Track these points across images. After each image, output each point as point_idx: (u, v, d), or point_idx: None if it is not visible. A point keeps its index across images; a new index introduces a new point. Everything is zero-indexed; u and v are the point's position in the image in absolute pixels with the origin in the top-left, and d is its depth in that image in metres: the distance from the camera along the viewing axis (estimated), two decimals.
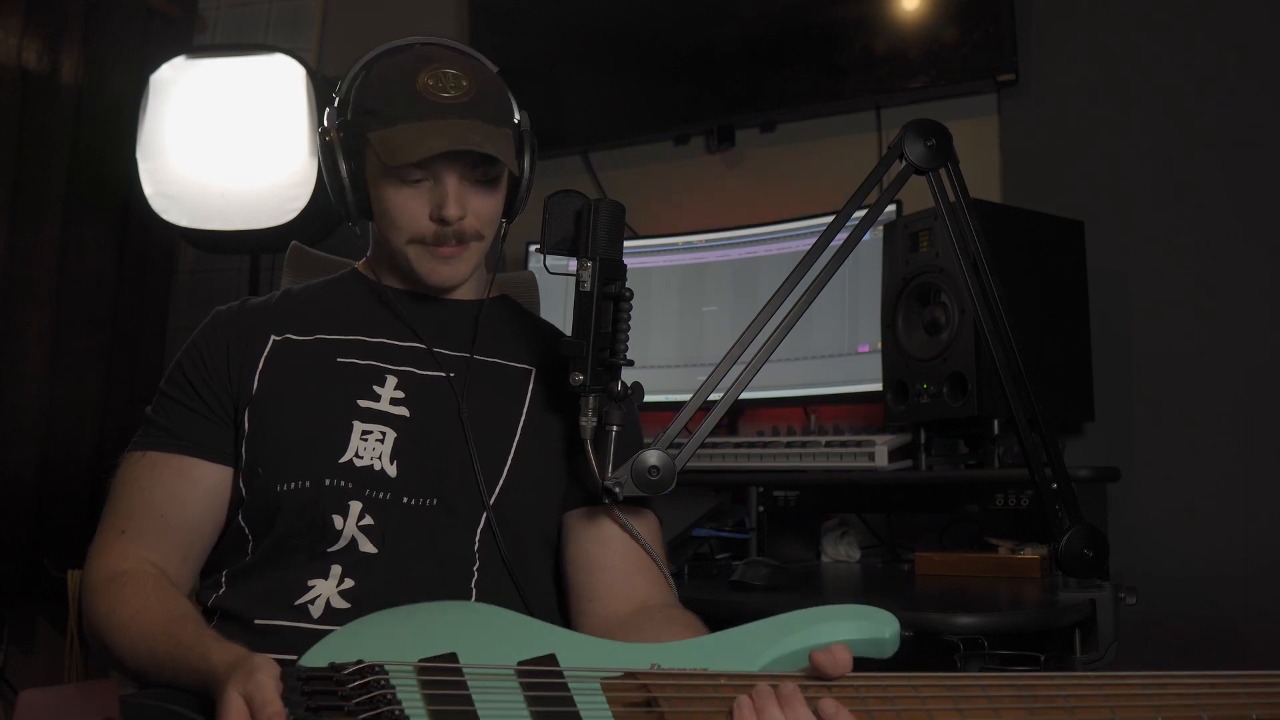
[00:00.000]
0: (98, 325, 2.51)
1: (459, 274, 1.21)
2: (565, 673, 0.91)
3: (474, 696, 0.89)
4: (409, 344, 1.20)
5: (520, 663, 0.92)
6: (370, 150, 1.17)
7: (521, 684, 0.90)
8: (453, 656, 0.91)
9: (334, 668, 0.88)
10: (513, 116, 1.23)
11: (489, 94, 1.19)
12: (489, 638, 0.94)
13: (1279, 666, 0.89)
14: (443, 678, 0.90)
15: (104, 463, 2.48)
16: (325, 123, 1.21)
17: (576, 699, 0.89)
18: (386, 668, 0.89)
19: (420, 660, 0.90)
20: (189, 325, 2.72)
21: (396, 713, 0.87)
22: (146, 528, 1.11)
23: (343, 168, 1.19)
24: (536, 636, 0.95)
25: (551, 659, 0.92)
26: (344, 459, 1.10)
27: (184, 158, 2.23)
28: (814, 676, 0.89)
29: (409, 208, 1.16)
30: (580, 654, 0.93)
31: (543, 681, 0.91)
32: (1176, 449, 1.88)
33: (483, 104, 1.17)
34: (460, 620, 0.97)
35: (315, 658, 0.90)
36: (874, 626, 0.94)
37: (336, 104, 1.21)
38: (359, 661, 0.88)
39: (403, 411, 1.15)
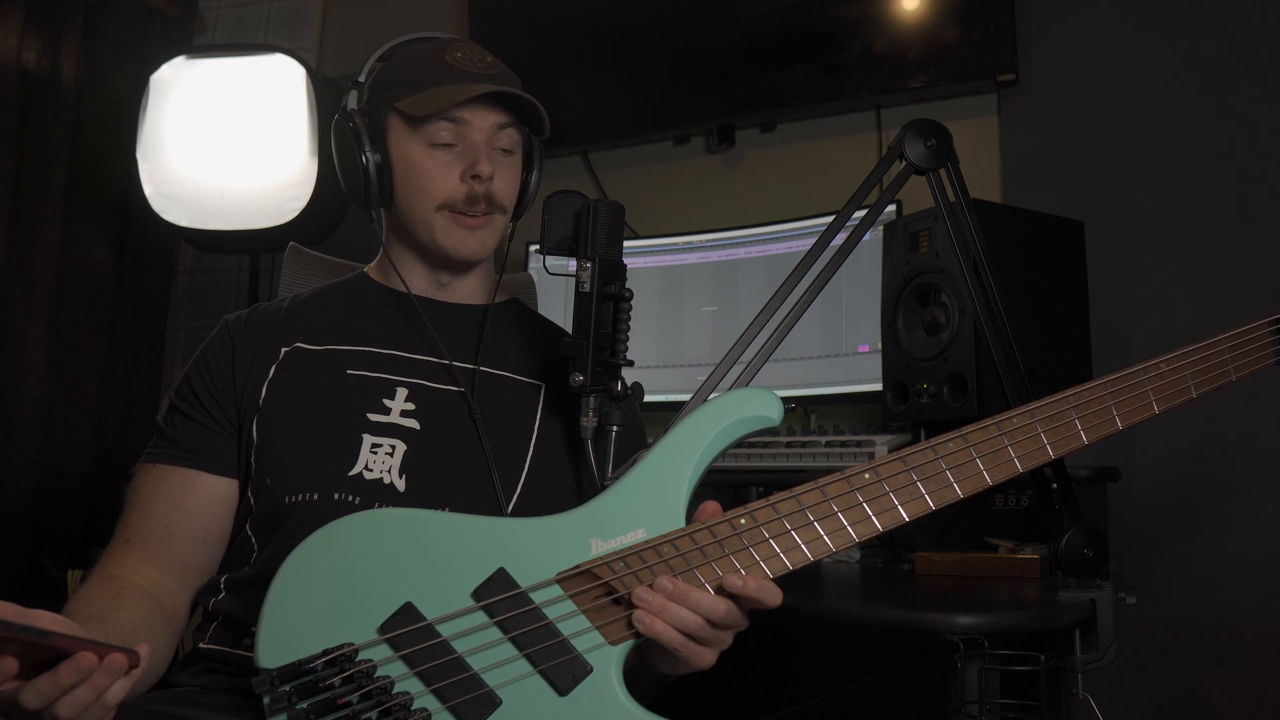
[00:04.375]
0: (98, 325, 2.51)
1: (486, 245, 1.22)
2: (523, 587, 0.92)
3: (453, 644, 0.90)
4: (420, 356, 1.20)
5: (475, 591, 0.91)
6: (394, 122, 1.19)
7: (488, 614, 0.91)
8: (408, 608, 0.91)
9: (301, 663, 0.87)
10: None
11: (511, 74, 1.24)
12: (430, 568, 0.92)
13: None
14: (414, 637, 0.90)
15: (103, 462, 2.48)
16: (346, 107, 1.22)
17: (546, 611, 0.92)
18: (355, 644, 0.89)
19: (380, 625, 0.90)
20: (189, 325, 2.76)
21: (402, 699, 0.88)
22: (150, 539, 1.12)
23: (365, 149, 1.18)
24: (474, 550, 0.94)
25: (503, 574, 0.92)
26: (353, 472, 1.10)
27: (184, 158, 2.23)
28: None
29: (440, 170, 1.18)
30: (524, 552, 0.93)
31: (506, 602, 0.91)
32: (1176, 447, 1.88)
33: (507, 77, 1.21)
34: (387, 558, 0.93)
35: (269, 653, 0.89)
36: (760, 416, 0.99)
37: (356, 90, 1.23)
38: (324, 651, 0.88)
39: (413, 424, 1.15)
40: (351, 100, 1.23)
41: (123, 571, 1.09)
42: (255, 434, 1.13)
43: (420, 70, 1.18)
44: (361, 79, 1.24)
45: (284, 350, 1.18)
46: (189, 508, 1.13)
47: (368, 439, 1.12)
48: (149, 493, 1.14)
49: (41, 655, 0.78)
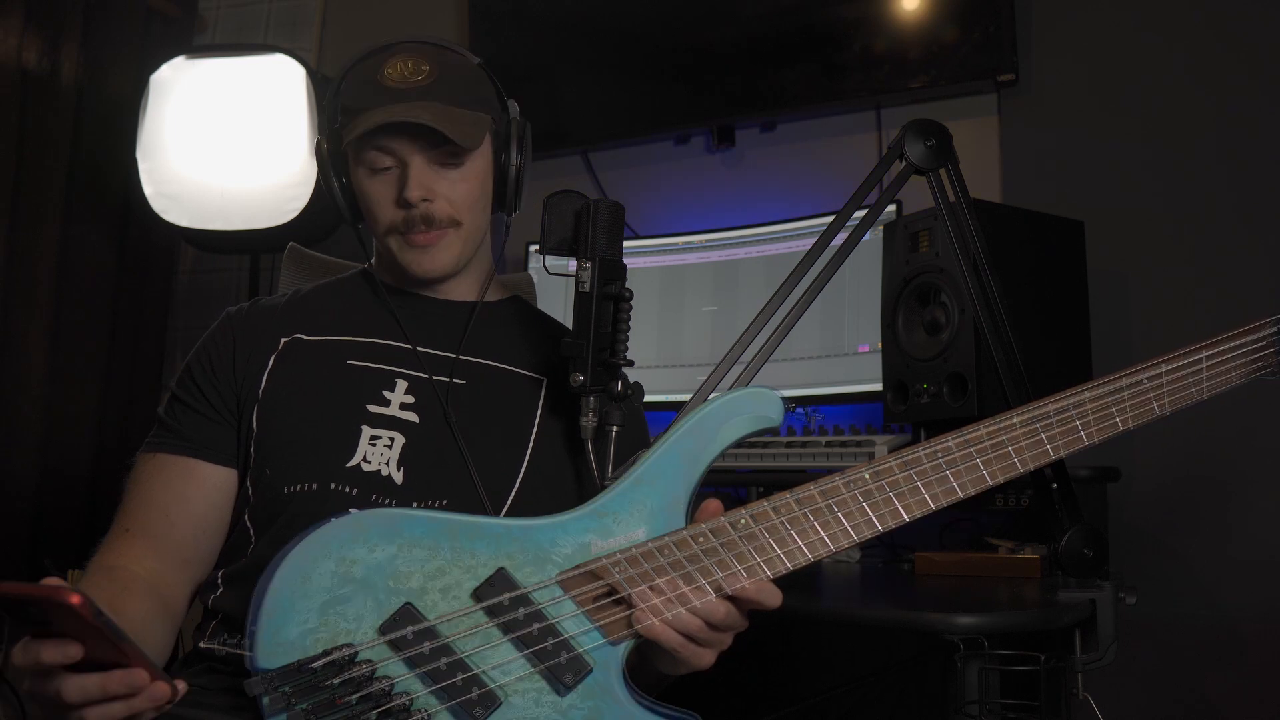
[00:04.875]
0: (98, 325, 2.51)
1: (439, 263, 1.21)
2: (524, 587, 0.92)
3: (454, 645, 0.90)
4: (420, 348, 1.20)
5: (475, 591, 0.92)
6: (348, 148, 1.19)
7: (489, 614, 0.91)
8: (408, 608, 0.91)
9: (301, 664, 0.87)
10: (486, 101, 1.22)
11: (453, 79, 1.19)
12: (430, 569, 0.92)
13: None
14: (415, 638, 0.90)
15: (103, 462, 2.48)
16: (319, 132, 1.23)
17: (547, 611, 0.92)
18: (355, 645, 0.89)
19: (380, 625, 0.90)
20: (189, 325, 2.76)
21: (403, 701, 0.88)
22: (150, 528, 1.11)
23: (333, 173, 1.21)
24: (474, 551, 0.93)
25: (503, 574, 0.92)
26: (351, 463, 1.10)
27: (184, 158, 2.23)
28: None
29: (379, 196, 1.18)
30: (524, 552, 0.93)
31: (508, 604, 0.91)
32: (1176, 447, 1.88)
33: (442, 87, 1.17)
34: (386, 558, 0.93)
35: (268, 654, 0.89)
36: (760, 415, 0.98)
37: (327, 112, 1.23)
38: (325, 652, 0.88)
39: (412, 417, 1.15)
40: (319, 127, 1.24)
41: (124, 562, 1.09)
42: (255, 424, 1.13)
43: (358, 94, 1.18)
44: (328, 100, 1.23)
45: (283, 341, 1.19)
46: (189, 496, 1.13)
47: (366, 430, 1.12)
48: (148, 481, 1.14)
49: (100, 654, 0.77)
